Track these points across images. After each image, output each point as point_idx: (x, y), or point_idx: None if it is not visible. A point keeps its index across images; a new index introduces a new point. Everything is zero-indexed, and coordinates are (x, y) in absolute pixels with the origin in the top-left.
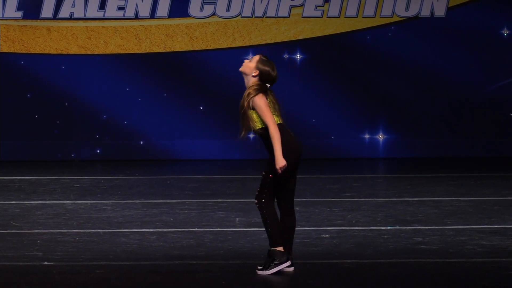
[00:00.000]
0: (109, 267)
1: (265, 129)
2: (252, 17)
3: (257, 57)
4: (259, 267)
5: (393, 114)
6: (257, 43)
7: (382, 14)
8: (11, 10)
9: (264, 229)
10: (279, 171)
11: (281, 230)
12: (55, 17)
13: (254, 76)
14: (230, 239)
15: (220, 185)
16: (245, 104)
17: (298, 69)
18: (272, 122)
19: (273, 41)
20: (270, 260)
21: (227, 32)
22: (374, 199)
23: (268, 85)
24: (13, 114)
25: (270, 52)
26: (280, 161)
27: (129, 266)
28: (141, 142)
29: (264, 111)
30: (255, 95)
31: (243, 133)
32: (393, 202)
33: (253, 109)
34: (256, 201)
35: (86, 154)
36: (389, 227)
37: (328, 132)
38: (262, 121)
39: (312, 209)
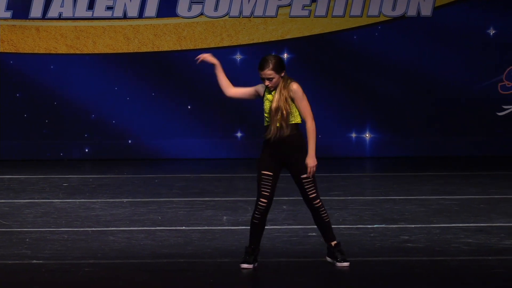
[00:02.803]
0: (98, 265)
1: (295, 125)
2: (239, 17)
3: (271, 66)
4: (339, 259)
5: (379, 113)
6: (244, 42)
7: (369, 14)
8: (0, 10)
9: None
10: (312, 169)
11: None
12: (44, 17)
13: (282, 76)
14: (217, 238)
15: (208, 184)
16: (289, 95)
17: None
18: (311, 114)
19: (260, 41)
20: (342, 251)
21: (215, 31)
22: (361, 197)
23: None
24: (2, 113)
25: (257, 52)
26: (314, 159)
27: (118, 264)
28: (130, 141)
29: (305, 100)
30: (295, 83)
31: (273, 130)
32: (380, 201)
33: (293, 101)
34: (318, 200)
35: (75, 153)
36: (375, 226)
37: None
38: (299, 115)
39: (300, 208)
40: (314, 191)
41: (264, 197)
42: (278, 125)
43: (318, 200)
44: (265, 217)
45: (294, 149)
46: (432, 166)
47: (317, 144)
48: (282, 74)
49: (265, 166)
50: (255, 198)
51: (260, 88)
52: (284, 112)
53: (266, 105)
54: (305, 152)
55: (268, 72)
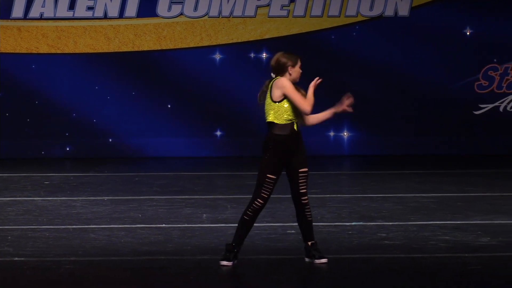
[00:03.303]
0: (79, 262)
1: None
2: (219, 17)
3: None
4: (317, 257)
5: (357, 112)
6: (224, 42)
7: (347, 14)
8: None
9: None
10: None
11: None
12: (25, 17)
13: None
14: (197, 235)
15: (188, 182)
16: None
17: (264, 68)
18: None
19: (239, 41)
20: (319, 249)
21: (195, 31)
22: (339, 195)
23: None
24: None
25: (236, 51)
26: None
27: (98, 261)
28: (110, 140)
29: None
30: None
31: (297, 128)
32: (358, 199)
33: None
34: (306, 197)
35: (56, 152)
36: (353, 223)
37: None
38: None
39: (278, 206)
40: (305, 186)
41: (262, 198)
42: (299, 123)
43: (306, 197)
44: (256, 216)
45: (301, 145)
46: (409, 165)
47: None
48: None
49: (272, 169)
50: (235, 196)
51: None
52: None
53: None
54: (304, 148)
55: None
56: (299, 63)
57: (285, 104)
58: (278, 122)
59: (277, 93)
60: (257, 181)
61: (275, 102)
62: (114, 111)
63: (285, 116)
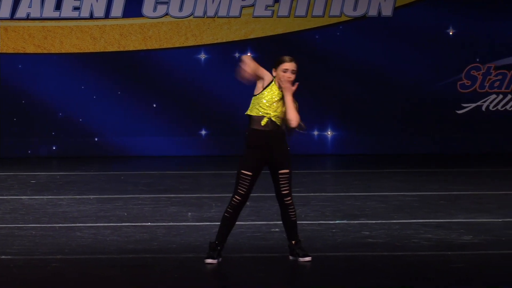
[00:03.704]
0: (65, 260)
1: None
2: (204, 17)
3: (295, 61)
4: (301, 255)
5: (341, 112)
6: (209, 42)
7: (331, 14)
8: None
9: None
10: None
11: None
12: (12, 17)
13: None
14: (182, 233)
15: (173, 181)
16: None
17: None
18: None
19: (224, 40)
20: (303, 247)
21: (180, 31)
22: (322, 194)
23: None
24: None
25: (221, 51)
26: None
27: (84, 259)
28: (96, 139)
29: None
30: None
31: (270, 123)
32: (341, 197)
33: None
34: (289, 198)
35: (42, 151)
36: (337, 222)
37: None
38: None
39: (262, 204)
40: (288, 188)
41: (239, 195)
42: (274, 119)
43: (290, 198)
44: (237, 213)
45: (279, 144)
46: (392, 163)
47: None
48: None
49: (247, 166)
50: (220, 195)
51: (269, 76)
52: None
53: (270, 96)
54: (287, 149)
55: (295, 64)
56: (281, 67)
57: (261, 97)
58: (252, 114)
59: (258, 86)
60: (235, 178)
61: (255, 95)
62: (100, 110)
63: (257, 108)
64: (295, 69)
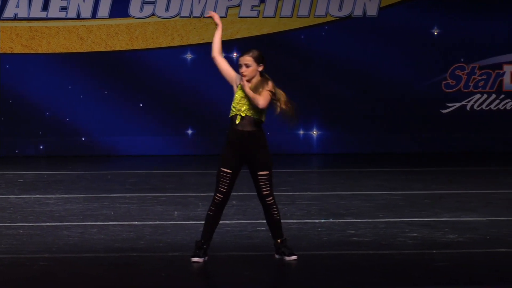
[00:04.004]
0: (52, 259)
1: (260, 122)
2: (190, 17)
3: (250, 54)
4: (287, 254)
5: (326, 111)
6: (195, 42)
7: (316, 14)
8: None
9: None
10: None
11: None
12: None
13: (260, 72)
14: (169, 232)
15: (159, 180)
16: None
17: (235, 68)
18: (264, 102)
19: (210, 41)
20: (288, 246)
21: (166, 31)
22: (308, 193)
23: None
24: None
25: (208, 51)
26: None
27: (72, 258)
28: (83, 139)
29: (268, 94)
30: (272, 82)
31: (239, 121)
32: (327, 196)
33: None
34: (271, 198)
35: (29, 150)
36: (323, 220)
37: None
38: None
39: (249, 203)
40: (268, 188)
41: (220, 192)
42: (243, 115)
43: (271, 198)
44: (220, 211)
45: (256, 145)
46: (377, 162)
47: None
48: (260, 69)
49: (225, 163)
50: (205, 194)
51: (237, 76)
52: (253, 105)
53: (238, 94)
54: (266, 150)
55: (247, 58)
56: (240, 57)
57: (234, 97)
58: (230, 115)
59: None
60: (216, 176)
61: None
62: (87, 110)
63: (232, 109)
64: (248, 62)
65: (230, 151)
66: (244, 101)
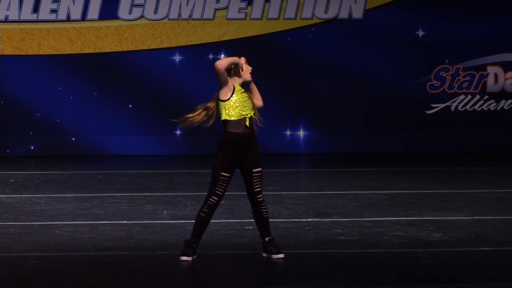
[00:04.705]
0: (43, 258)
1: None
2: (178, 19)
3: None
4: (274, 252)
5: (313, 112)
6: (183, 44)
7: (303, 16)
8: None
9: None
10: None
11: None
12: None
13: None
14: (158, 231)
15: (149, 180)
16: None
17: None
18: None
19: (198, 42)
20: (276, 245)
21: (155, 33)
22: (295, 192)
23: None
24: None
25: (196, 53)
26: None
27: (62, 257)
28: (73, 139)
29: None
30: None
31: (249, 124)
32: (314, 196)
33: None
34: (261, 195)
35: (20, 150)
36: (309, 219)
37: None
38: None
39: (237, 203)
40: (260, 185)
41: (217, 195)
42: (254, 117)
43: (261, 195)
44: (212, 212)
45: (254, 144)
46: (363, 162)
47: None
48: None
49: (225, 167)
50: (194, 194)
51: (230, 84)
52: (254, 105)
53: (242, 97)
54: (258, 148)
55: (243, 58)
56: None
57: (233, 100)
58: (230, 119)
59: (224, 91)
60: (211, 178)
61: (223, 101)
62: (77, 111)
63: (236, 111)
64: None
65: (230, 155)
66: (249, 102)
